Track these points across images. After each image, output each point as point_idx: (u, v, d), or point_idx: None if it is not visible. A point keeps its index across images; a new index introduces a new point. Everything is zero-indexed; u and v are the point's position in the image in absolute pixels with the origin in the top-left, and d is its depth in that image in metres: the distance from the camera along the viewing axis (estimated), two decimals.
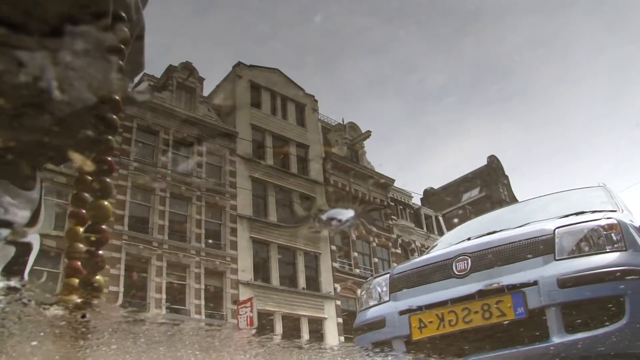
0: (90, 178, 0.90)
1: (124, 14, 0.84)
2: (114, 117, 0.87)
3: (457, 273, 3.32)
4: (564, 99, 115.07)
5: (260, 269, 27.04)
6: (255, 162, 29.36)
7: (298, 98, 34.01)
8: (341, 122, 36.86)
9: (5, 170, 0.78)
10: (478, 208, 37.82)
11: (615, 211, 3.64)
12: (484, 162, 50.21)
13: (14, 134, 0.74)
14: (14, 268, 0.84)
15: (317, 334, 26.90)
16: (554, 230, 3.17)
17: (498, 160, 50.09)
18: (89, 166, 0.88)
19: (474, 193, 48.07)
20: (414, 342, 3.27)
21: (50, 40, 0.65)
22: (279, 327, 25.45)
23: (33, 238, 0.91)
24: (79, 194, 1.01)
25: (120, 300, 21.26)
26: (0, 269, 0.82)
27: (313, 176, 32.07)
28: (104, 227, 0.86)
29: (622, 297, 2.78)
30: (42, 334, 0.88)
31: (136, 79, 1.09)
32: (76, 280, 0.88)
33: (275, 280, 27.16)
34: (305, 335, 26.27)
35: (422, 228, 38.61)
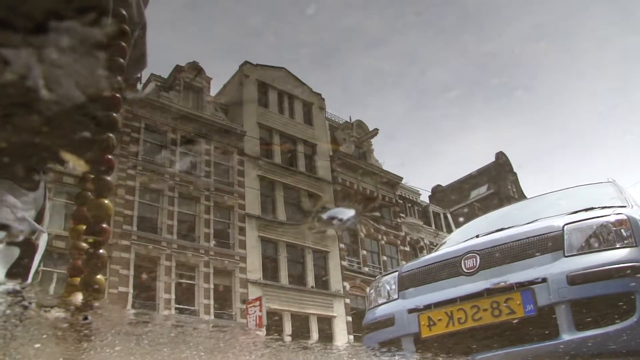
0: (92, 177, 0.90)
1: (124, 12, 0.84)
2: (114, 115, 0.86)
3: (466, 271, 3.30)
4: (570, 91, 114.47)
5: (269, 268, 27.07)
6: (263, 160, 29.39)
7: (305, 96, 34.01)
8: (348, 120, 36.82)
9: (7, 171, 0.78)
10: (486, 205, 37.71)
11: (625, 207, 3.60)
12: (492, 159, 50.08)
13: (3, 134, 0.73)
14: (18, 269, 0.84)
15: (326, 332, 26.90)
16: (563, 226, 3.15)
17: (506, 156, 49.90)
18: (83, 166, 0.87)
19: (482, 190, 47.93)
20: (423, 340, 3.26)
21: (37, 37, 0.65)
22: (288, 326, 25.47)
23: (38, 238, 0.91)
24: (83, 192, 1.01)
25: (129, 301, 21.35)
26: (5, 269, 0.82)
27: (321, 174, 32.06)
28: (104, 226, 0.86)
29: (633, 294, 2.76)
30: (44, 336, 0.87)
31: (137, 75, 1.09)
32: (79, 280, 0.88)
33: (284, 279, 27.19)
34: (315, 333, 26.29)
35: (431, 225, 38.54)
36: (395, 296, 3.71)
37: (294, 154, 31.58)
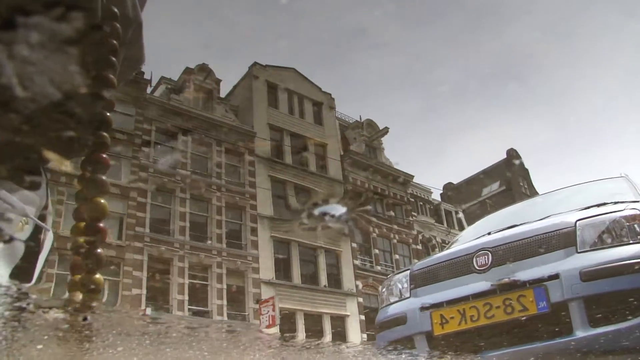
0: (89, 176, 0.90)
1: (116, 10, 0.84)
2: (107, 114, 0.87)
3: (478, 268, 3.28)
4: (582, 85, 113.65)
5: (281, 268, 27.11)
6: (274, 161, 29.43)
7: (315, 96, 34.02)
8: (358, 120, 36.79)
9: (6, 170, 0.79)
10: (498, 202, 37.53)
11: (638, 202, 3.56)
12: (503, 156, 49.81)
13: None
14: (23, 268, 0.85)
15: (340, 331, 26.90)
16: (575, 222, 3.13)
17: (517, 153, 49.62)
18: (67, 166, 0.88)
19: (494, 187, 47.71)
20: (436, 338, 3.26)
21: (6, 33, 0.65)
22: (301, 326, 25.50)
23: (43, 237, 0.91)
24: (83, 191, 1.01)
25: (143, 302, 21.46)
26: (9, 268, 0.82)
27: (332, 174, 32.05)
28: (101, 225, 0.86)
29: None
30: (45, 337, 0.88)
31: (134, 72, 1.09)
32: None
33: (296, 278, 27.22)
34: (328, 333, 26.30)
35: (443, 224, 38.43)
36: (407, 294, 3.70)
37: (304, 154, 31.59)
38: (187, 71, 28.66)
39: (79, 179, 0.95)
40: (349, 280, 29.30)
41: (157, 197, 24.61)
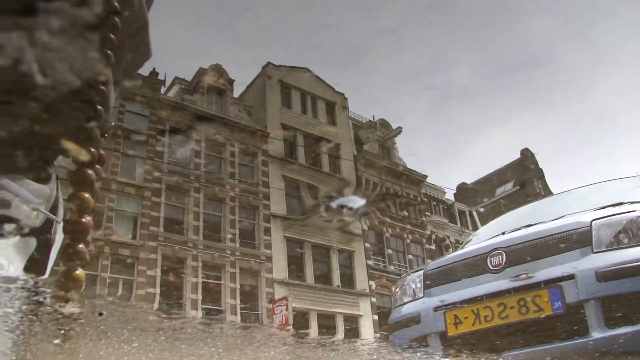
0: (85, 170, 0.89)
1: (116, 4, 0.84)
2: (99, 107, 0.86)
3: (491, 268, 3.26)
4: (597, 85, 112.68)
5: (295, 268, 27.15)
6: (287, 161, 29.48)
7: (328, 96, 34.02)
8: (372, 119, 36.75)
9: (14, 164, 0.79)
10: (512, 202, 37.30)
11: None
12: (517, 155, 49.54)
13: (2, 125, 0.73)
14: (35, 262, 0.85)
15: (353, 331, 26.89)
16: (591, 222, 3.09)
17: (531, 152, 49.30)
18: (85, 155, 0.87)
19: (508, 187, 47.46)
20: (450, 338, 3.24)
21: (25, 18, 0.64)
22: (314, 325, 25.51)
23: (54, 230, 0.92)
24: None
25: (156, 301, 21.57)
26: (22, 262, 0.82)
27: (345, 174, 32.04)
28: (84, 220, 0.86)
29: None
30: (62, 332, 0.88)
31: (138, 70, 1.09)
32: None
33: (309, 278, 27.25)
34: (341, 332, 26.30)
35: (456, 223, 38.28)
36: (421, 294, 3.69)
37: (318, 154, 31.61)
38: (201, 72, 28.79)
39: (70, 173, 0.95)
40: (362, 280, 29.28)
41: (171, 196, 24.75)
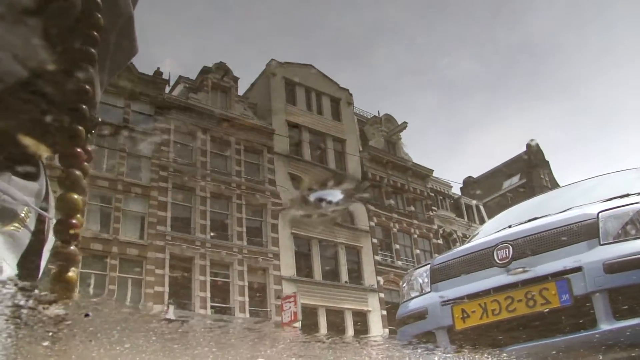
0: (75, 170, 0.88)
1: (99, 0, 0.84)
2: (83, 106, 0.85)
3: (498, 261, 3.25)
4: (601, 76, 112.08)
5: (302, 264, 27.18)
6: (293, 158, 29.49)
7: (333, 92, 33.98)
8: (377, 115, 36.69)
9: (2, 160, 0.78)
10: (519, 195, 37.18)
11: None
12: (523, 149, 49.36)
13: None
14: (28, 260, 0.84)
15: (362, 326, 26.91)
16: (598, 214, 3.07)
17: (538, 145, 49.11)
18: (44, 150, 0.86)
19: (515, 180, 47.30)
20: (457, 333, 3.23)
21: None
22: (323, 321, 25.55)
23: (46, 228, 0.91)
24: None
25: (165, 300, 21.66)
26: (16, 259, 0.82)
27: (351, 170, 32.01)
28: (73, 221, 0.85)
29: None
30: (50, 334, 0.88)
31: (124, 65, 1.09)
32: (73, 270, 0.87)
33: (317, 274, 27.28)
34: (350, 328, 26.33)
35: (463, 218, 38.21)
36: (428, 289, 3.68)
37: (323, 150, 31.60)
38: (205, 70, 28.82)
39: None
40: (370, 276, 29.29)
41: (178, 195, 24.82)
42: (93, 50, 0.84)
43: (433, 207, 35.75)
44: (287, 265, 26.28)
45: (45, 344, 0.86)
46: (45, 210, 0.89)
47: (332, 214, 25.87)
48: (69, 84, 0.78)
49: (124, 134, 24.41)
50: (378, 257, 30.41)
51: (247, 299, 24.17)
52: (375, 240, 30.87)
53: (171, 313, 18.80)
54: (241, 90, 30.99)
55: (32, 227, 0.84)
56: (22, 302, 0.75)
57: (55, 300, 0.78)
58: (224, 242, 24.97)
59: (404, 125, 36.27)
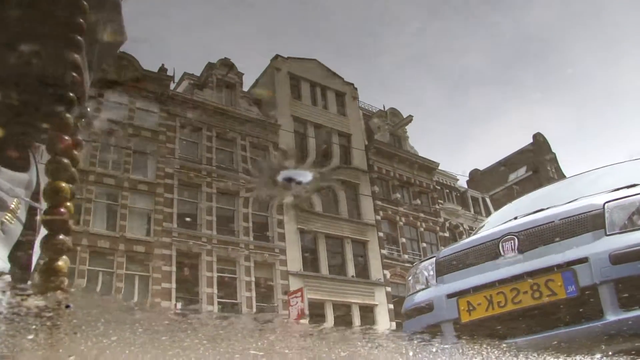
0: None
1: None
2: (70, 93, 0.84)
3: (504, 253, 3.24)
4: (608, 66, 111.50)
5: (309, 259, 27.21)
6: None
7: (337, 87, 33.97)
8: (382, 109, 36.65)
9: None
10: (525, 187, 37.08)
11: None
12: (530, 140, 49.19)
13: None
14: (19, 254, 0.84)
15: (369, 320, 26.94)
16: (604, 204, 3.04)
17: (544, 137, 48.92)
18: (33, 139, 0.86)
19: (521, 172, 47.16)
20: (463, 325, 3.22)
21: None
22: (330, 316, 25.59)
23: (38, 219, 0.91)
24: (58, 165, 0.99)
25: (173, 296, 21.73)
26: (7, 250, 0.82)
27: (356, 164, 32.01)
28: (62, 210, 0.84)
29: None
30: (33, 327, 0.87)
31: (115, 52, 1.08)
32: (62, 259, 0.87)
33: (324, 269, 27.31)
34: (357, 322, 26.36)
35: (470, 210, 38.15)
36: (434, 282, 3.67)
37: (329, 145, 31.58)
38: (210, 66, 28.84)
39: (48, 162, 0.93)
40: (376, 270, 29.30)
41: (184, 192, 24.87)
42: (79, 37, 0.84)
43: (439, 200, 35.71)
44: (294, 260, 26.32)
45: (31, 337, 0.85)
46: (37, 200, 0.88)
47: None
48: (55, 71, 0.77)
49: (129, 131, 24.46)
50: (384, 251, 30.41)
51: (254, 294, 24.23)
52: (381, 234, 30.87)
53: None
54: (246, 86, 31.02)
55: (23, 218, 0.84)
56: (9, 294, 0.74)
57: (43, 291, 0.78)
58: (230, 237, 25.03)
59: (410, 119, 36.22)
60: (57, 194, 0.82)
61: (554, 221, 3.17)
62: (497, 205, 35.05)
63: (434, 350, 2.38)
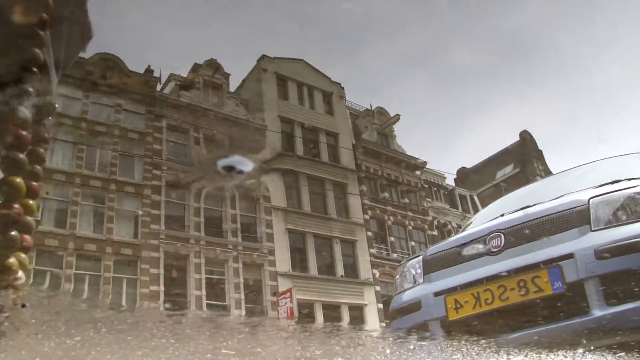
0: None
1: None
2: (23, 86, 0.82)
3: (491, 250, 3.24)
4: (595, 63, 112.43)
5: (298, 259, 27.19)
6: (285, 154, 29.46)
7: (324, 87, 34.00)
8: (369, 108, 36.73)
9: None
10: (513, 185, 37.28)
11: None
12: (516, 138, 49.49)
13: None
14: None
15: (358, 320, 26.95)
16: (589, 200, 3.07)
17: (530, 134, 49.23)
18: None
19: (508, 170, 47.42)
20: (451, 323, 3.22)
21: None
22: (319, 316, 25.57)
23: None
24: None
25: (161, 299, 21.61)
26: None
27: (344, 163, 32.05)
28: (16, 205, 0.82)
29: None
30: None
31: (83, 48, 1.06)
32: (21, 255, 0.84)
33: (313, 269, 27.30)
34: (346, 322, 26.36)
35: (458, 208, 38.30)
36: (421, 280, 3.67)
37: (316, 145, 31.59)
38: (196, 67, 28.75)
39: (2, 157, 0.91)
40: (365, 269, 29.33)
41: (171, 193, 24.76)
42: (42, 32, 0.82)
43: (427, 199, 35.83)
44: (282, 260, 26.28)
45: None
46: None
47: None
48: (15, 65, 0.75)
49: (115, 133, 24.33)
50: (373, 250, 30.46)
51: (242, 296, 24.16)
52: (370, 234, 30.92)
53: None
54: (232, 87, 30.97)
55: None
56: None
57: None
58: (218, 239, 24.95)
59: (397, 118, 36.33)
60: (10, 190, 0.80)
61: (539, 218, 3.19)
62: (485, 203, 35.21)
63: (411, 347, 2.37)
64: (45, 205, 21.32)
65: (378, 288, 29.09)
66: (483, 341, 2.62)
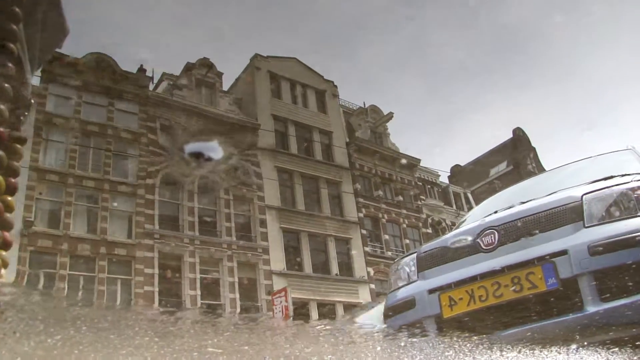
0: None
1: None
2: (7, 85, 0.81)
3: (484, 247, 3.24)
4: (588, 60, 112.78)
5: (292, 258, 27.17)
6: (279, 152, 29.42)
7: (317, 85, 33.98)
8: (362, 106, 36.73)
9: None
10: (506, 182, 37.37)
11: None
12: (510, 135, 49.60)
13: None
14: None
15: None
16: (582, 196, 3.08)
17: (523, 132, 49.35)
18: None
19: (502, 167, 47.53)
20: (445, 321, 3.22)
21: None
22: (314, 315, 25.56)
23: None
24: None
25: (156, 299, 21.55)
26: None
27: (338, 161, 32.04)
28: None
29: None
30: None
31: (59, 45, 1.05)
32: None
33: (308, 268, 27.28)
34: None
35: (452, 206, 38.36)
36: (415, 277, 3.67)
37: (310, 143, 31.58)
38: (189, 66, 28.65)
39: None
40: (360, 268, 29.34)
41: (165, 193, 24.68)
42: (15, 26, 0.81)
43: (421, 197, 35.87)
44: (277, 259, 26.25)
45: None
46: None
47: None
48: None
49: (108, 132, 24.24)
50: (368, 248, 30.47)
51: (237, 295, 24.12)
52: (364, 232, 30.93)
53: None
54: (225, 86, 30.88)
55: None
56: None
57: None
58: (213, 238, 24.89)
59: (390, 116, 36.33)
60: None
61: (533, 214, 3.19)
62: (479, 200, 35.22)
63: (402, 344, 2.36)
64: (39, 205, 21.25)
65: (373, 286, 29.10)
66: (475, 338, 2.62)
